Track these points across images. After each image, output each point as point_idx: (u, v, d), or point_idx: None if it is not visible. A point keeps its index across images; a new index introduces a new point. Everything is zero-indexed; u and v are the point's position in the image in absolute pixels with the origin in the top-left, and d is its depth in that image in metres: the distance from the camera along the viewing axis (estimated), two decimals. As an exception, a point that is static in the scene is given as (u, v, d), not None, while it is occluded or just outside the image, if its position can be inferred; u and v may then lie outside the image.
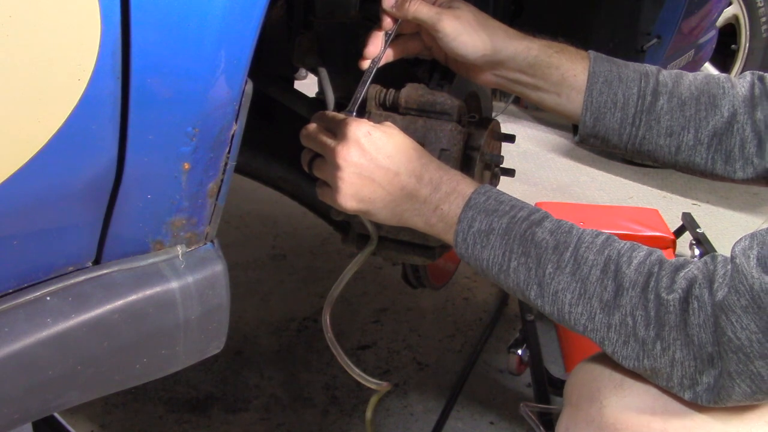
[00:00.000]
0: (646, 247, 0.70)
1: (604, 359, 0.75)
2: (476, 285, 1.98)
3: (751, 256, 0.61)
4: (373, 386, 0.92)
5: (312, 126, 0.85)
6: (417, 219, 0.80)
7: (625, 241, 0.71)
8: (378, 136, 0.80)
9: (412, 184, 0.79)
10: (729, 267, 0.63)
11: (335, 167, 0.79)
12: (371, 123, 0.81)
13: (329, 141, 0.81)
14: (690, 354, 0.64)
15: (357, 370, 0.91)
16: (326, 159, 0.82)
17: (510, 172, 1.04)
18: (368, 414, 0.97)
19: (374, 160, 0.79)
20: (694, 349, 0.64)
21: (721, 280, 0.63)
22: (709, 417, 0.68)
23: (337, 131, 0.81)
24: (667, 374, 0.67)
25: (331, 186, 0.81)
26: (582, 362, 0.80)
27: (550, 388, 1.38)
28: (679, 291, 0.64)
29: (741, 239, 0.65)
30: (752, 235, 0.63)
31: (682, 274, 0.66)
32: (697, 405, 0.67)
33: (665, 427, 0.69)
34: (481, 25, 0.86)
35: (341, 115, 0.84)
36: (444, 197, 0.78)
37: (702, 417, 0.68)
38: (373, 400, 0.96)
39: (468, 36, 0.86)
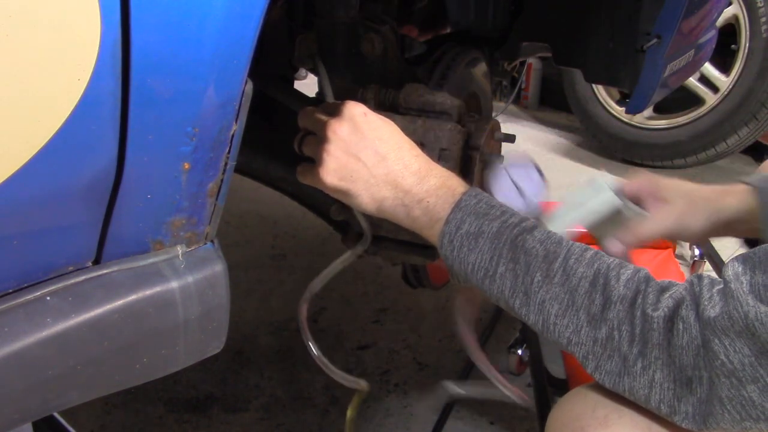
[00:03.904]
0: (632, 265, 0.69)
1: (585, 395, 0.74)
2: (476, 285, 1.98)
3: (744, 281, 0.60)
4: (350, 385, 0.92)
5: (310, 107, 0.85)
6: (399, 209, 0.78)
7: (612, 257, 0.70)
8: (374, 118, 0.79)
9: (397, 171, 0.77)
10: (716, 290, 0.62)
11: (324, 140, 0.78)
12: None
13: (324, 117, 0.81)
14: (670, 376, 0.63)
15: (335, 369, 0.90)
16: (317, 134, 0.81)
17: (510, 172, 1.04)
18: (349, 413, 0.97)
19: (364, 139, 0.77)
20: (675, 370, 0.63)
21: (707, 303, 0.62)
22: None
23: (335, 110, 0.80)
24: (644, 396, 0.65)
25: (316, 161, 0.80)
26: (560, 401, 0.78)
27: (550, 388, 1.38)
28: (665, 309, 0.63)
29: (732, 262, 0.63)
30: (744, 259, 0.62)
31: (667, 294, 0.65)
32: None
33: None
34: (696, 199, 0.89)
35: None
36: (431, 190, 0.76)
37: None
38: (356, 399, 0.96)
39: (693, 218, 0.88)
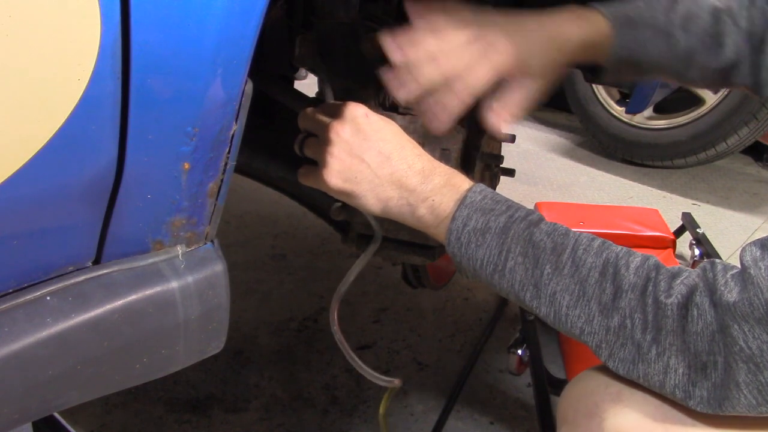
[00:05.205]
0: (640, 253, 0.69)
1: (598, 374, 0.74)
2: (476, 285, 1.98)
3: (763, 267, 0.59)
4: (382, 383, 0.91)
5: (311, 108, 0.85)
6: (404, 209, 0.78)
7: (620, 246, 0.70)
8: (375, 119, 0.79)
9: (402, 171, 0.77)
10: (730, 275, 0.62)
11: (326, 142, 0.79)
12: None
13: (325, 119, 0.81)
14: (684, 361, 0.63)
15: (367, 368, 0.89)
16: (319, 136, 0.81)
17: (510, 172, 1.04)
18: (381, 410, 0.96)
19: (367, 140, 0.78)
20: (689, 356, 0.63)
21: (723, 288, 0.61)
22: (711, 426, 0.66)
23: (336, 111, 0.81)
24: (659, 382, 0.65)
25: (319, 163, 0.80)
26: (574, 380, 0.78)
27: (550, 388, 1.38)
28: (678, 296, 0.63)
29: (749, 247, 0.63)
30: (762, 244, 0.62)
31: (679, 280, 0.65)
32: (698, 413, 0.65)
33: None
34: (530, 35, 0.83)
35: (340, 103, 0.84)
36: (436, 189, 0.77)
37: (704, 427, 0.66)
38: (385, 398, 0.95)
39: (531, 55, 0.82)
